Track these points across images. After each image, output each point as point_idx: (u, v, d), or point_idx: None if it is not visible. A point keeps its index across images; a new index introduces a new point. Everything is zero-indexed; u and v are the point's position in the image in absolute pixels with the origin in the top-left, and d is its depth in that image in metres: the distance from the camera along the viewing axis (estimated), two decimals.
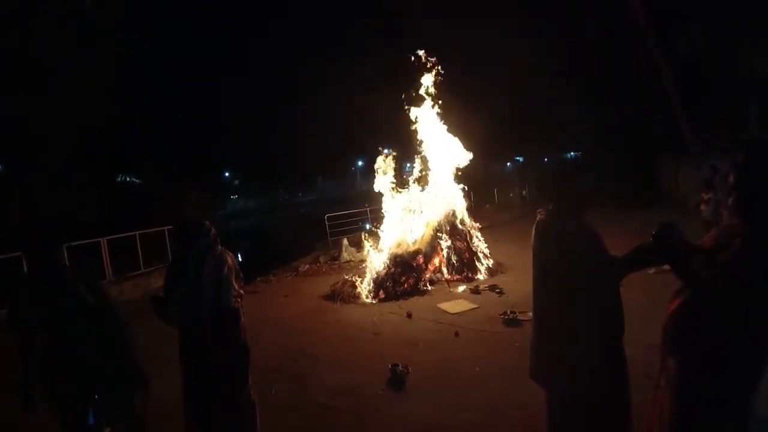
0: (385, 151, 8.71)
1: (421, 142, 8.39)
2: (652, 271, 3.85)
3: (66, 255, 2.69)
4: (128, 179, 24.87)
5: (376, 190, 8.39)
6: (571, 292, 1.93)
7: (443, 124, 8.39)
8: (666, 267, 1.98)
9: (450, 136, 8.32)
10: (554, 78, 18.11)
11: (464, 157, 8.21)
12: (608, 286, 1.96)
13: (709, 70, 14.78)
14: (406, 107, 8.41)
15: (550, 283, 2.03)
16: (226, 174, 54.20)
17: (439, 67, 8.37)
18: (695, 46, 14.64)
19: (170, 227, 3.04)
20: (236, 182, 58.60)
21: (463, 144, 8.39)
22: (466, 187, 8.62)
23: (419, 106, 8.36)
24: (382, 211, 8.42)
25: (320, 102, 32.13)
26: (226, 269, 2.78)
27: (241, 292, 2.92)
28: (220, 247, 2.91)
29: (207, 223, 2.94)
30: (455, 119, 8.59)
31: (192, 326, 2.72)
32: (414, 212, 8.31)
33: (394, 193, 8.32)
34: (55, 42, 10.42)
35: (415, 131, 8.39)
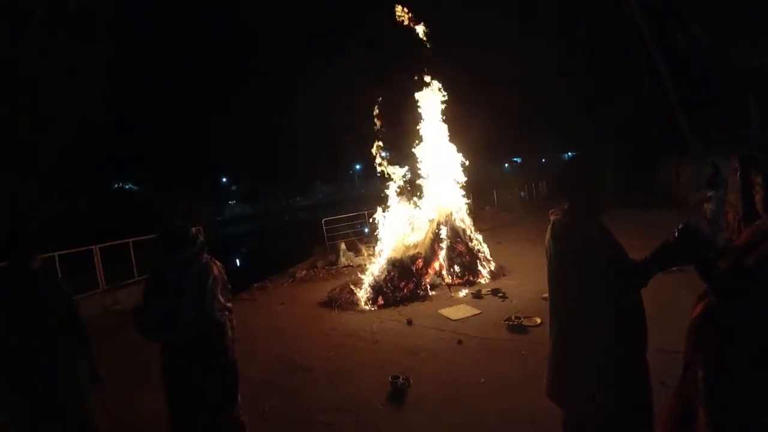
0: (382, 154, 8.54)
1: (420, 141, 8.22)
2: None
3: (39, 262, 2.64)
4: (125, 186, 24.69)
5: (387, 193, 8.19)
6: (593, 299, 1.75)
7: (443, 122, 8.21)
8: (673, 267, 1.84)
9: (449, 134, 8.17)
10: (551, 78, 18.02)
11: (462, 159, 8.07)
12: (632, 291, 1.79)
13: (708, 68, 14.70)
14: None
15: (569, 290, 1.84)
16: (224, 179, 54.06)
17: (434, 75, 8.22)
18: (693, 44, 14.56)
19: None
20: (234, 187, 58.44)
21: (461, 145, 8.23)
22: (465, 189, 8.45)
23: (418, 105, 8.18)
24: (380, 214, 8.23)
25: (318, 106, 32.02)
26: (210, 280, 2.59)
27: (228, 305, 2.72)
28: (206, 255, 2.72)
29: (193, 230, 2.75)
30: (452, 121, 8.41)
31: (173, 342, 2.53)
32: (412, 215, 8.12)
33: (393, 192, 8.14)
34: (46, 44, 10.21)
35: (417, 130, 8.23)
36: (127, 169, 21.94)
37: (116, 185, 23.46)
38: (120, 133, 16.08)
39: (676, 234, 1.63)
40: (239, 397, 2.78)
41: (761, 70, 13.01)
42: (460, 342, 4.76)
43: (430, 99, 8.23)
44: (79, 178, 12.99)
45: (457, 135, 8.31)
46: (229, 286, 2.81)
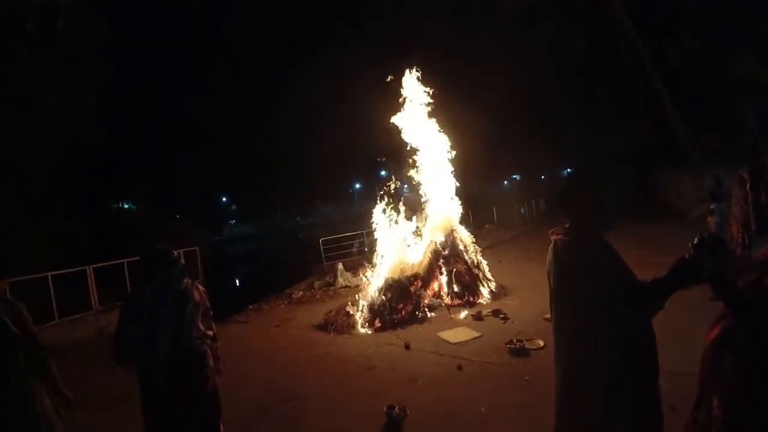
0: (382, 173, 8.43)
1: (415, 160, 8.13)
2: None
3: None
4: (123, 206, 24.64)
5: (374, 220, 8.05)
6: (602, 319, 1.61)
7: (439, 138, 8.13)
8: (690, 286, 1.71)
9: (446, 152, 8.09)
10: (549, 95, 18.08)
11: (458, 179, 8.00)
12: (644, 316, 1.65)
13: (704, 78, 14.72)
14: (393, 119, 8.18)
15: (575, 312, 1.69)
16: (224, 199, 54.16)
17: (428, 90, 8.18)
18: (688, 55, 14.62)
19: None
20: (234, 207, 58.48)
21: (460, 163, 8.15)
22: (465, 206, 8.30)
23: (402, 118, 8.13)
24: (378, 234, 8.06)
25: (317, 126, 32.34)
26: (190, 306, 2.43)
27: (210, 332, 2.56)
28: (187, 280, 2.57)
29: (174, 253, 2.62)
30: (450, 139, 8.34)
31: (149, 372, 2.37)
32: (411, 234, 7.96)
33: (390, 214, 7.97)
34: (38, 62, 10.22)
35: (411, 149, 8.14)
36: (126, 189, 21.90)
37: (115, 205, 23.41)
38: (119, 152, 16.11)
39: (692, 249, 1.50)
40: (222, 428, 2.62)
41: (756, 78, 12.98)
42: (459, 367, 4.55)
43: (429, 117, 8.18)
44: (76, 197, 12.91)
45: (456, 151, 8.22)
46: (212, 313, 2.66)
